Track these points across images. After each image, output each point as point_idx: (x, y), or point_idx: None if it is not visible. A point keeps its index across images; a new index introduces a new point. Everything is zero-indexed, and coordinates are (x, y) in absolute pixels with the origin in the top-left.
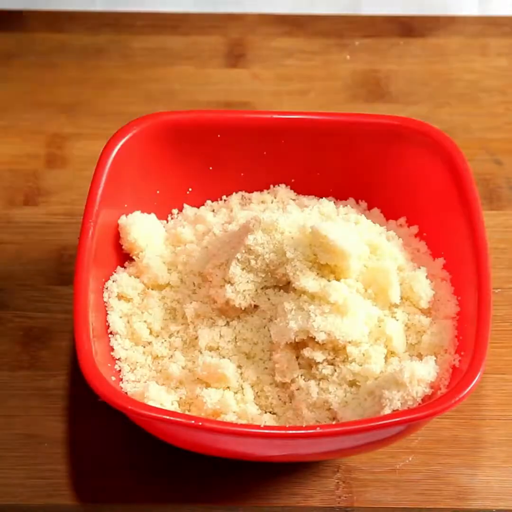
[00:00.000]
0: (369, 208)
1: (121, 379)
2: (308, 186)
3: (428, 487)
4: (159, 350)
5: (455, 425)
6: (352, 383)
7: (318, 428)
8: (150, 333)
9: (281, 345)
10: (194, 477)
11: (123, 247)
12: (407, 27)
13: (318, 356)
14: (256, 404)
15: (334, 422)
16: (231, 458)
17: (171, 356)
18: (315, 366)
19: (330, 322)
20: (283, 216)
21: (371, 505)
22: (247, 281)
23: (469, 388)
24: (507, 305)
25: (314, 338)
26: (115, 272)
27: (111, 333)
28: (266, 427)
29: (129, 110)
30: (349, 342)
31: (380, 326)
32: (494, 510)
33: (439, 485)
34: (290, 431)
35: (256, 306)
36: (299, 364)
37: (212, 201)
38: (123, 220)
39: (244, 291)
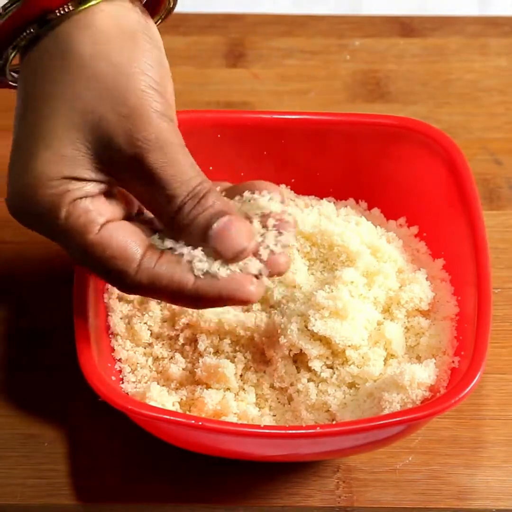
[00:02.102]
0: (369, 208)
1: (122, 380)
2: (308, 186)
3: (428, 487)
4: (160, 352)
5: (455, 425)
6: (351, 385)
7: (318, 428)
8: (151, 334)
9: (276, 357)
10: (194, 477)
11: None
12: (407, 27)
13: (316, 364)
14: (256, 406)
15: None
16: (231, 458)
17: (172, 357)
18: (314, 370)
19: (329, 326)
20: None
21: (371, 505)
22: None
23: (469, 388)
24: (507, 305)
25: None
26: None
27: (111, 334)
28: (266, 427)
29: None
30: (349, 346)
31: (379, 329)
32: (494, 510)
33: (439, 485)
34: (290, 431)
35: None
36: (297, 368)
37: None
38: None
39: None
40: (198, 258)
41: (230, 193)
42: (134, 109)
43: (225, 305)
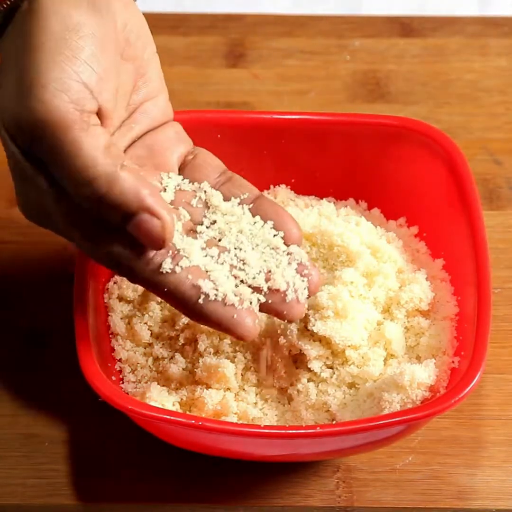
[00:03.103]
0: (369, 208)
1: (122, 380)
2: (308, 186)
3: (428, 487)
4: (160, 352)
5: (455, 425)
6: (351, 385)
7: (318, 428)
8: (151, 334)
9: (276, 357)
10: (194, 477)
11: None
12: (407, 27)
13: (316, 365)
14: (256, 406)
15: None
16: (231, 458)
17: (172, 357)
18: (314, 370)
19: (329, 326)
20: None
21: (371, 505)
22: None
23: (469, 388)
24: (507, 305)
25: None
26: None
27: (111, 334)
28: (266, 427)
29: None
30: (349, 346)
31: (379, 329)
32: (494, 510)
33: (439, 485)
34: (290, 431)
35: None
36: (297, 367)
37: None
38: None
39: None
40: (209, 281)
41: (254, 208)
42: (24, 92)
43: (220, 331)
